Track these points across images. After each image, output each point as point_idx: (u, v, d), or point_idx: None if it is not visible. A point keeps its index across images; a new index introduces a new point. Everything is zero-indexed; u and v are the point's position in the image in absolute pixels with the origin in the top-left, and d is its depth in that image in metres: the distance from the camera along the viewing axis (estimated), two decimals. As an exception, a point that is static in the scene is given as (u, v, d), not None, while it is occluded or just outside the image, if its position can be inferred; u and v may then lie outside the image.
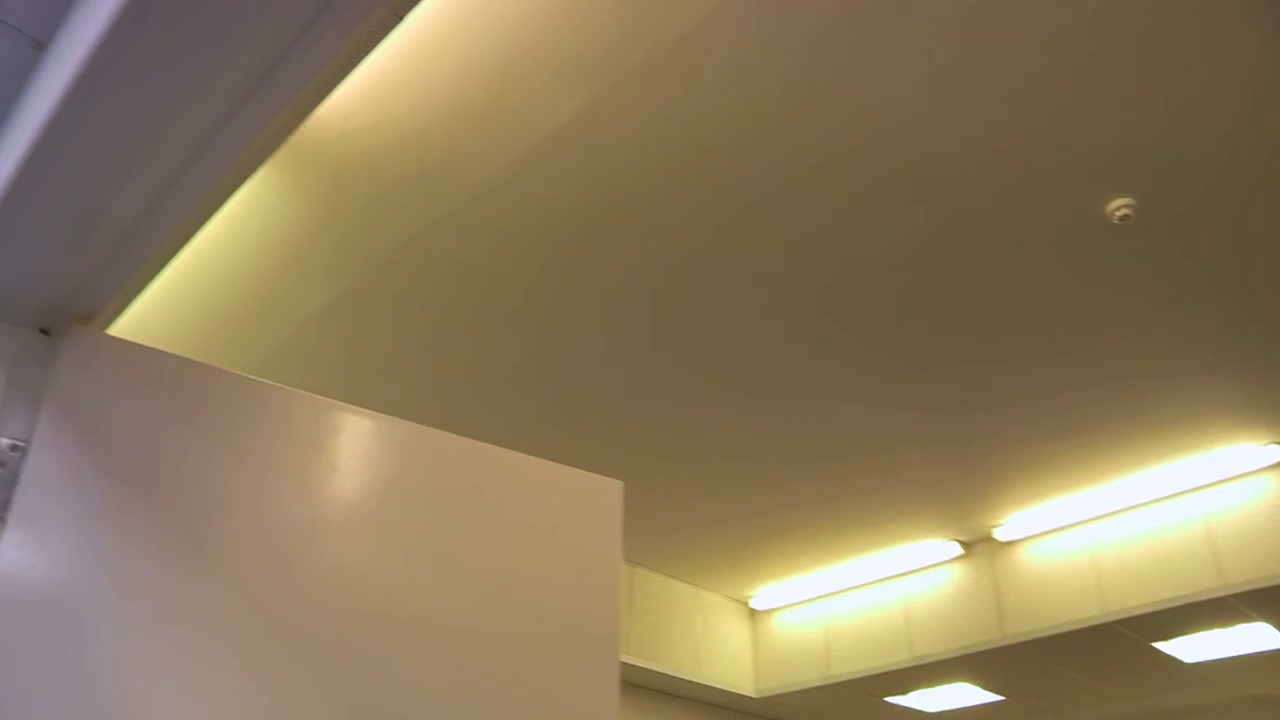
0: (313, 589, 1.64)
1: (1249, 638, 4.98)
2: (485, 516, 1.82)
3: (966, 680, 5.70)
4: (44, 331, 1.65)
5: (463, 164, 2.94)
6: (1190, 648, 5.18)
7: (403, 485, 1.78)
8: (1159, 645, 5.12)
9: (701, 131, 2.81)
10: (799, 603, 6.11)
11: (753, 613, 6.33)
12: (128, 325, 3.47)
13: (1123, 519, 4.90)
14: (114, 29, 1.10)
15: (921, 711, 6.31)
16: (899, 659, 5.50)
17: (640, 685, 5.71)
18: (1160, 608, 4.64)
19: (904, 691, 5.97)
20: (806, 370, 3.88)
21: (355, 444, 1.79)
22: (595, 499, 1.93)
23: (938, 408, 4.13)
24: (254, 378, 1.73)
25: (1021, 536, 5.25)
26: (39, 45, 2.34)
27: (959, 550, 5.43)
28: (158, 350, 1.67)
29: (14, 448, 1.60)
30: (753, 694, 6.07)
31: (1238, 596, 4.46)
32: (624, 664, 1.94)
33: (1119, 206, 2.92)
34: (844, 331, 3.64)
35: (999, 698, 5.99)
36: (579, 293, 3.46)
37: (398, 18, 1.25)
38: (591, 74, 2.65)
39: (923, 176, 2.94)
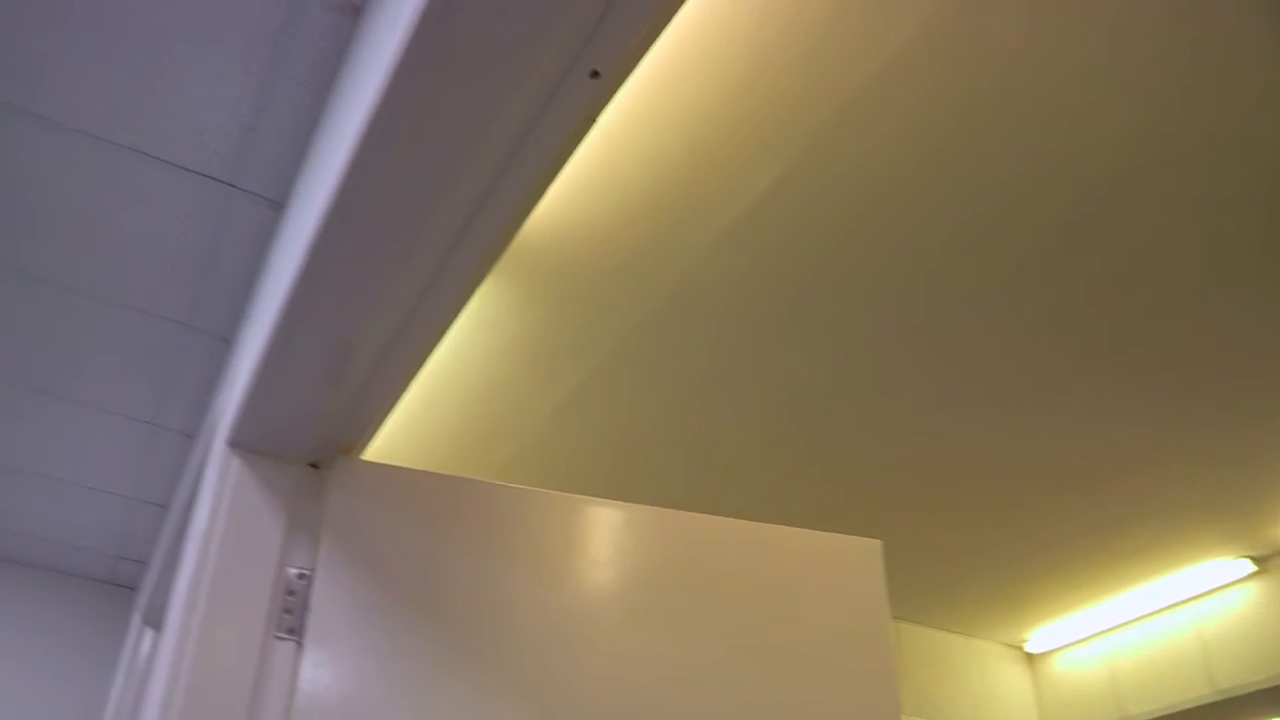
0: (589, 681, 1.68)
1: None
2: (746, 593, 1.83)
3: (1283, 712, 5.24)
4: (313, 465, 1.77)
5: (671, 246, 3.00)
6: None
7: (661, 571, 1.81)
8: None
9: (904, 162, 2.78)
10: (1078, 641, 5.79)
11: (1029, 657, 6.04)
12: (377, 448, 3.68)
13: None
14: (343, 188, 1.19)
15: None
16: (1198, 694, 5.11)
17: (923, 745, 5.53)
18: None
19: (1211, 730, 5.53)
20: (1061, 388, 3.72)
21: (610, 536, 1.83)
22: (855, 561, 1.90)
23: (1209, 419, 3.88)
24: (507, 484, 1.81)
25: (1322, 543, 4.83)
26: (276, 206, 2.55)
27: (1251, 568, 5.03)
28: (414, 470, 1.77)
29: (301, 576, 1.72)
30: (1044, 743, 5.78)
31: None
32: (906, 726, 1.89)
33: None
34: (1105, 338, 3.46)
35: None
36: (803, 351, 3.45)
37: (592, 121, 1.31)
38: (782, 138, 2.67)
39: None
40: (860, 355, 3.50)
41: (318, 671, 1.63)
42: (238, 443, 1.75)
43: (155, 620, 3.45)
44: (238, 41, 2.22)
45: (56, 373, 3.33)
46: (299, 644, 1.66)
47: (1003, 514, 4.57)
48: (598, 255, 3.05)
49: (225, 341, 3.03)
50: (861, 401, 3.74)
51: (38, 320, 3.12)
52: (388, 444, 3.76)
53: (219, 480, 1.75)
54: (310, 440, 1.71)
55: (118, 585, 4.80)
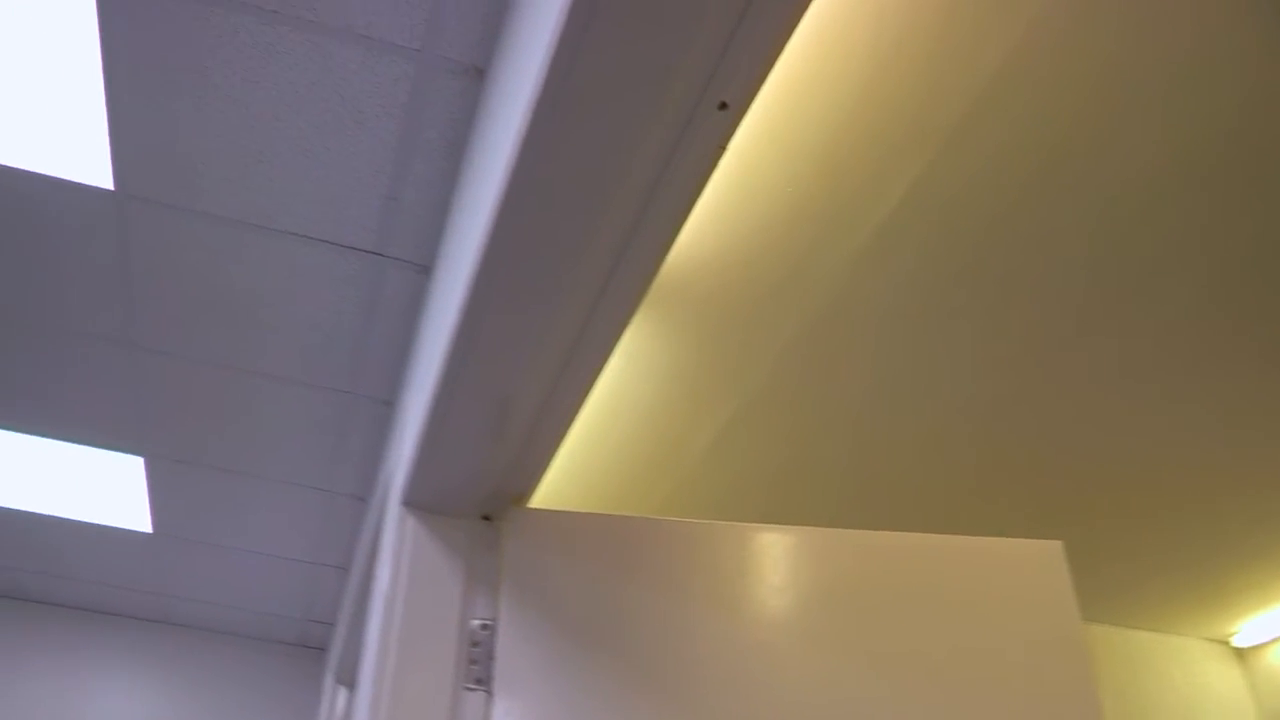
0: (778, 707, 1.67)
1: None
2: (926, 607, 1.79)
3: None
4: (486, 518, 1.81)
5: (814, 264, 2.98)
6: None
7: (838, 591, 1.79)
8: None
9: (1040, 149, 2.70)
10: (1294, 630, 5.46)
11: (1239, 651, 5.73)
12: (541, 493, 3.74)
13: None
14: (489, 245, 1.22)
15: None
16: None
17: (1130, 752, 5.29)
18: None
19: None
20: (1243, 372, 3.54)
21: (784, 561, 1.82)
22: (1037, 565, 1.84)
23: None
24: (678, 519, 1.81)
25: None
26: (423, 270, 2.63)
27: None
28: (584, 514, 1.79)
29: (484, 627, 1.75)
30: (1265, 743, 5.46)
31: None
32: (1112, 735, 1.82)
33: None
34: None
35: None
36: (961, 354, 3.38)
37: (723, 150, 1.31)
38: (913, 142, 2.63)
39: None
40: (1022, 353, 3.40)
41: (510, 719, 1.65)
42: (411, 502, 1.80)
43: (347, 678, 3.56)
44: (371, 117, 2.31)
45: (237, 451, 3.50)
46: (488, 693, 1.69)
47: (1193, 506, 4.35)
48: (741, 280, 3.05)
49: (388, 405, 3.13)
50: (1027, 401, 3.63)
51: (217, 403, 3.28)
52: (550, 488, 3.81)
53: (397, 539, 1.81)
54: (480, 494, 1.75)
55: (308, 647, 4.99)
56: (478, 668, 1.73)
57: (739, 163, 2.70)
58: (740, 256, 2.97)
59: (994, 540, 1.89)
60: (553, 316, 1.33)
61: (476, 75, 2.19)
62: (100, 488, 3.90)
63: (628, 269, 1.29)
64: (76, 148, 2.53)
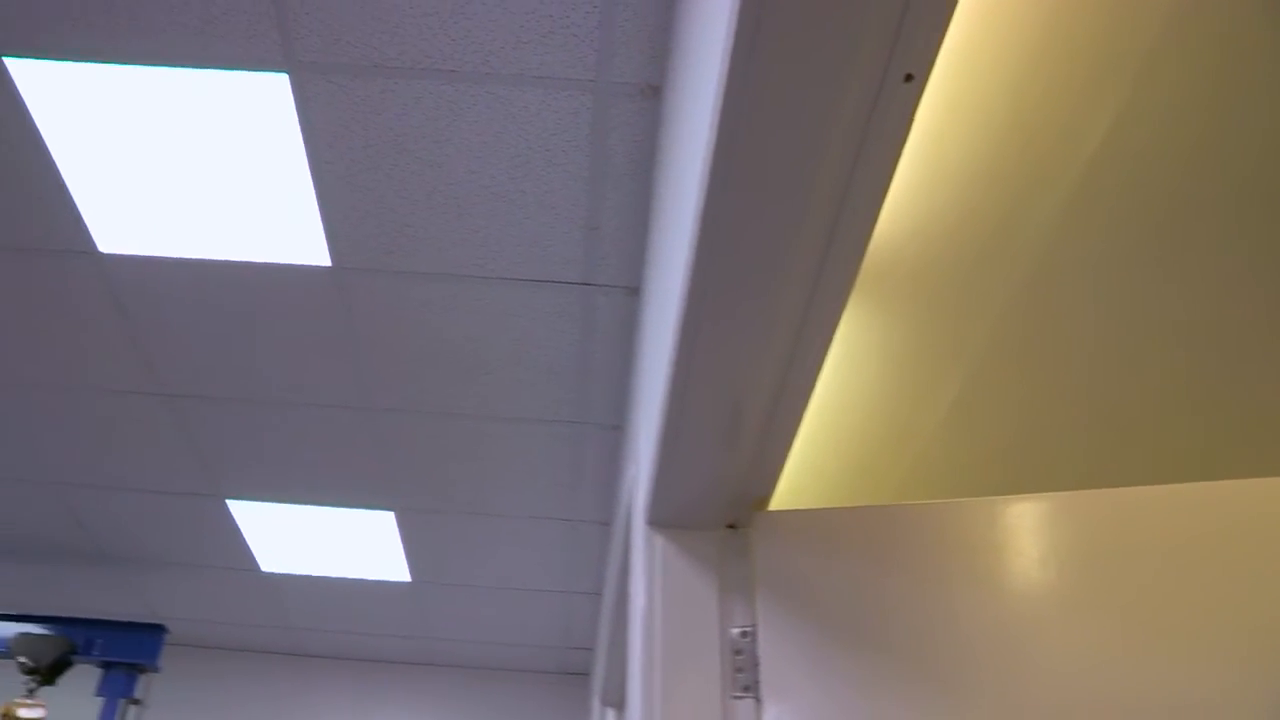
0: (1055, 682, 1.60)
1: None
2: (1197, 559, 1.69)
3: None
4: (731, 526, 1.82)
5: (1020, 220, 2.87)
6: None
7: (1102, 554, 1.71)
8: None
9: (1248, 60, 2.53)
10: None
11: None
12: (779, 495, 3.71)
13: None
14: (698, 254, 1.23)
15: None
16: None
17: None
18: None
19: None
20: None
21: (1040, 530, 1.75)
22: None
23: None
24: (924, 502, 1.77)
25: None
26: (632, 292, 2.67)
27: None
28: (830, 510, 1.78)
29: (744, 634, 1.76)
30: None
31: None
32: None
33: None
34: None
35: None
36: (1190, 288, 3.18)
37: (912, 122, 1.29)
38: (1108, 75, 2.50)
39: None
40: (1260, 279, 3.18)
41: (781, 724, 1.65)
42: (656, 520, 1.82)
43: (613, 700, 3.62)
44: (560, 153, 2.37)
45: (478, 494, 3.63)
46: (757, 700, 1.69)
47: None
48: (946, 252, 2.97)
49: (617, 429, 3.19)
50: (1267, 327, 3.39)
51: (453, 451, 3.42)
52: (786, 488, 3.80)
53: (647, 559, 1.83)
54: (722, 503, 1.76)
55: (570, 673, 5.11)
56: (743, 675, 1.73)
57: (923, 134, 2.63)
58: (941, 228, 2.89)
59: (1259, 481, 1.77)
60: (771, 313, 1.33)
61: (653, 93, 2.21)
62: (359, 545, 4.12)
63: (837, 254, 1.27)
64: (293, 233, 2.69)
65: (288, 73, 2.27)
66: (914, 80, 1.12)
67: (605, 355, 2.92)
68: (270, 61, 2.25)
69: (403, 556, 4.14)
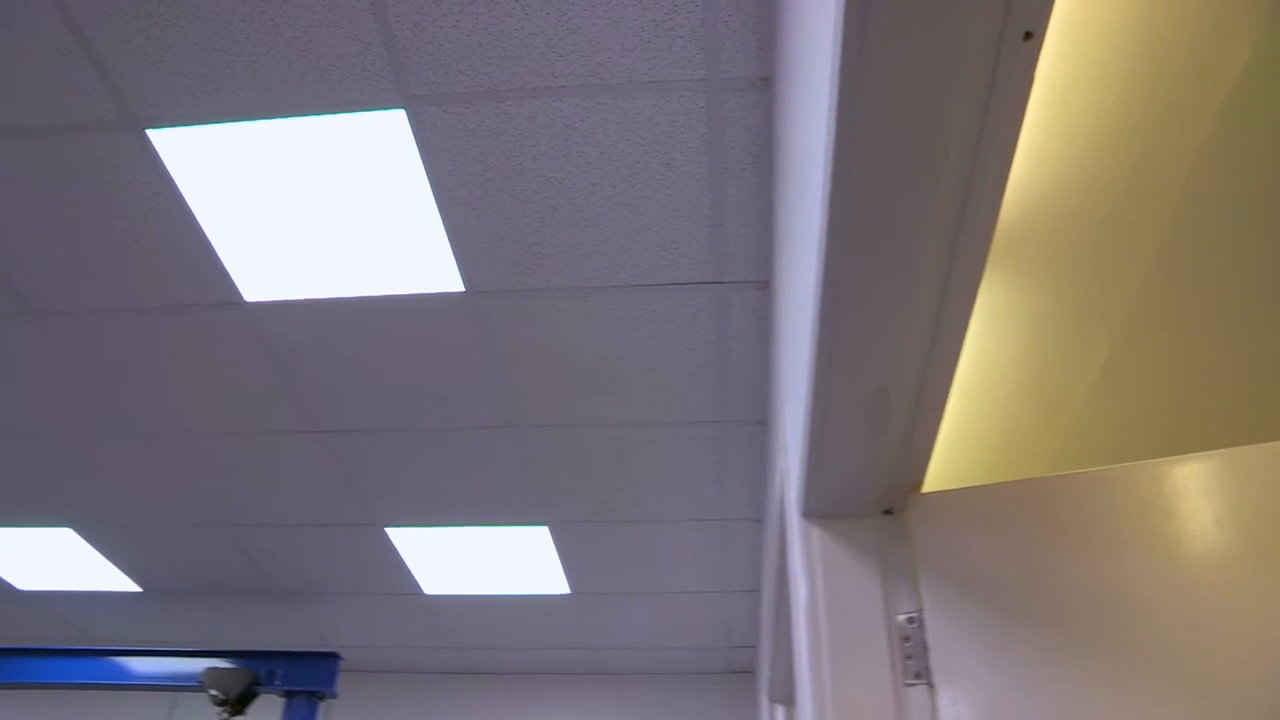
0: (1242, 648, 1.54)
1: None
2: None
3: None
4: (887, 512, 1.79)
5: (1155, 171, 2.76)
6: None
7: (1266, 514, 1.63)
8: None
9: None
10: None
11: None
12: (932, 475, 3.64)
13: None
14: (830, 238, 1.21)
15: None
16: None
17: None
18: None
19: None
20: None
21: (1215, 489, 1.68)
22: None
23: None
24: (1086, 470, 1.72)
25: None
26: (763, 285, 2.66)
27: None
28: (987, 486, 1.74)
29: (910, 620, 1.73)
30: None
31: None
32: None
33: None
34: None
35: None
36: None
37: (1033, 80, 1.25)
38: (1246, 4, 2.39)
39: None
40: None
41: (957, 709, 1.62)
42: (811, 512, 1.81)
43: (781, 696, 3.61)
44: (678, 155, 2.37)
45: (629, 501, 3.66)
46: (930, 685, 1.66)
47: None
48: (1080, 208, 2.88)
49: (761, 425, 3.18)
50: None
51: (600, 461, 3.45)
52: (939, 468, 3.73)
53: (805, 552, 1.82)
54: (876, 489, 1.74)
55: (736, 672, 5.11)
56: (913, 662, 1.70)
57: (1045, 91, 2.55)
58: (1073, 186, 2.80)
59: None
60: (908, 293, 1.31)
61: (763, 84, 2.20)
62: (517, 561, 4.20)
63: (970, 225, 1.24)
64: (424, 262, 2.75)
65: (404, 108, 2.33)
66: (1033, 38, 1.09)
67: (742, 352, 2.91)
68: (386, 99, 2.31)
69: (560, 569, 4.20)
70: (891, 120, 1.11)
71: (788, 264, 2.01)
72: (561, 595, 4.43)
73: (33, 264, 2.91)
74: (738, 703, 5.05)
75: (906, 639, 1.72)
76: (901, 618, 1.73)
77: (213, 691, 4.50)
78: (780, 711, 3.67)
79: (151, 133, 2.47)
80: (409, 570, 4.37)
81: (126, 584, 4.87)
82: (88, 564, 4.72)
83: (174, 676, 4.71)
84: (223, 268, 2.84)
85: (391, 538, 4.13)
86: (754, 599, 4.29)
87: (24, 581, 4.98)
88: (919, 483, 1.76)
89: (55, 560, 4.73)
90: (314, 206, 2.63)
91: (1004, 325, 3.23)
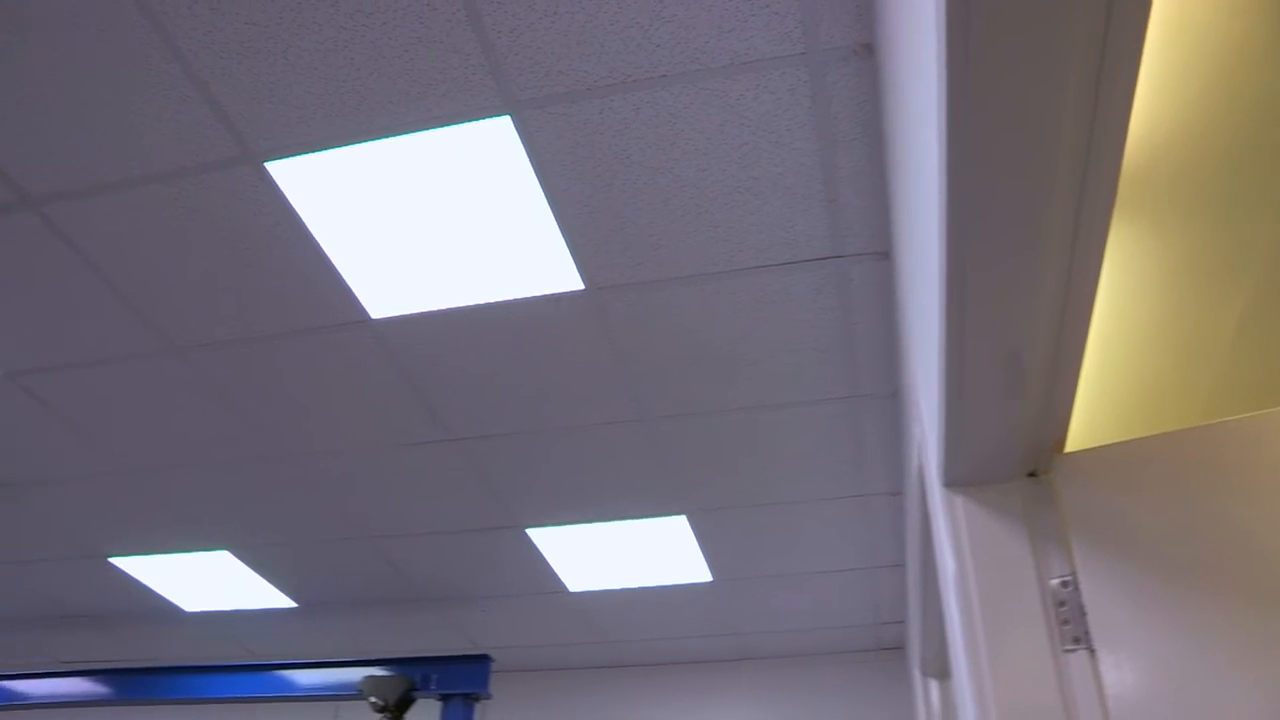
0: None
1: None
2: None
3: None
4: (1032, 475, 1.75)
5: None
6: None
7: None
8: None
9: None
10: None
11: None
12: (1075, 434, 3.54)
13: None
14: (951, 200, 1.18)
15: None
16: None
17: None
18: None
19: None
20: None
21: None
22: None
23: None
24: (1243, 417, 1.65)
25: None
26: (884, 255, 2.62)
27: None
28: (1134, 441, 1.68)
29: (1064, 584, 1.68)
30: None
31: None
32: None
33: None
34: None
35: None
36: None
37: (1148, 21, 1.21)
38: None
39: None
40: None
41: (1121, 673, 1.57)
42: (952, 481, 1.77)
43: (935, 670, 3.55)
44: (785, 132, 2.35)
45: (764, 484, 3.65)
46: (1090, 650, 1.62)
47: None
48: (1207, 145, 2.76)
49: (892, 398, 3.13)
50: None
51: (733, 447, 3.45)
52: (1080, 426, 3.62)
53: (949, 523, 1.79)
54: (1018, 453, 1.69)
55: (885, 649, 5.05)
56: (1071, 627, 1.66)
57: (1163, 19, 2.45)
58: (1199, 122, 2.69)
59: None
60: (1036, 252, 1.27)
61: (866, 51, 2.16)
62: (657, 553, 4.22)
63: (1095, 173, 1.20)
64: (542, 264, 2.79)
65: (509, 114, 2.35)
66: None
67: (868, 324, 2.87)
68: (491, 108, 2.34)
69: (701, 557, 4.21)
70: (1006, 69, 1.08)
71: (908, 231, 1.98)
72: (704, 583, 4.44)
73: (174, 302, 3.03)
74: (890, 680, 4.99)
75: (1061, 604, 1.67)
76: (1055, 582, 1.68)
77: (372, 699, 4.64)
78: (934, 686, 3.62)
79: (270, 165, 2.55)
80: (552, 569, 4.43)
81: (283, 600, 5.05)
82: (246, 584, 4.91)
83: (334, 686, 4.87)
84: (347, 288, 2.91)
85: (533, 538, 4.19)
86: (899, 574, 4.23)
87: (189, 604, 5.20)
88: (1061, 443, 1.71)
89: (216, 582, 4.94)
90: (430, 220, 2.68)
91: (1137, 276, 3.12)
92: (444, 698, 4.64)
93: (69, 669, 5.64)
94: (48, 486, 4.19)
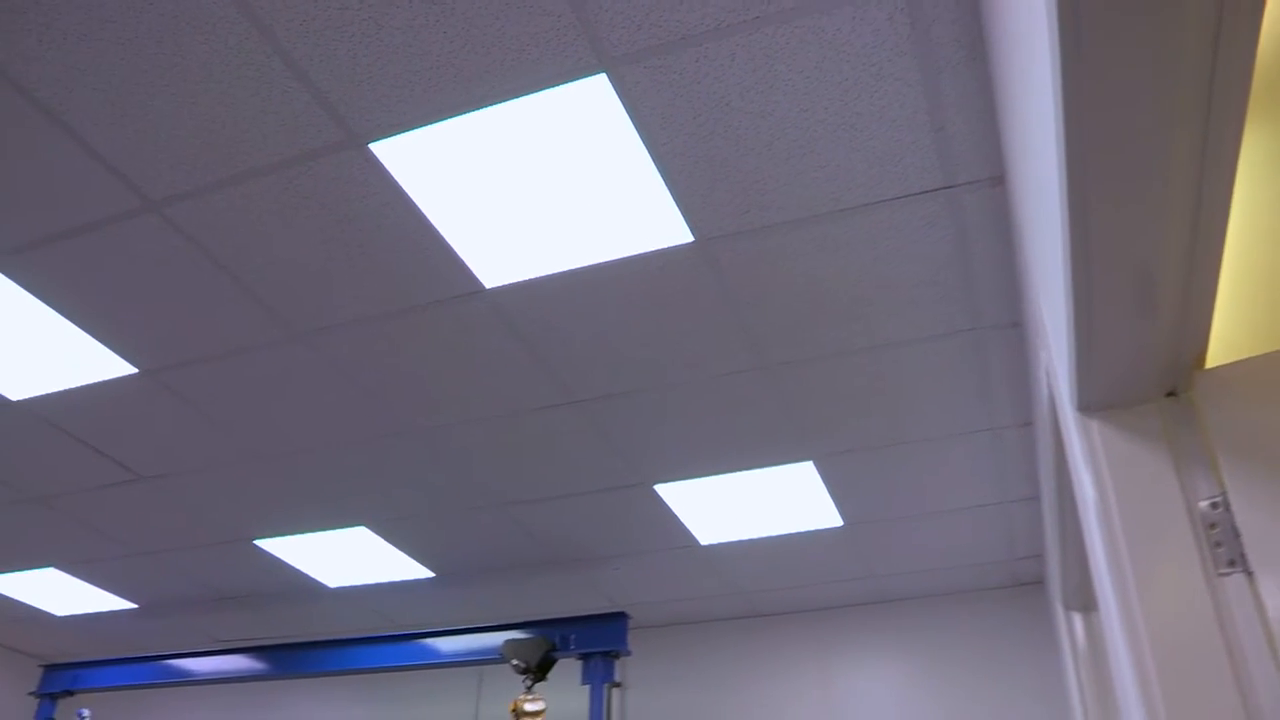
0: None
1: None
2: None
3: None
4: (1170, 394, 1.69)
5: None
6: None
7: None
8: None
9: None
10: None
11: None
12: (1214, 349, 3.40)
13: None
14: (1069, 116, 1.14)
15: None
16: None
17: None
18: None
19: None
20: None
21: None
22: None
23: None
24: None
25: None
26: (997, 180, 2.54)
27: None
28: (1271, 354, 1.61)
29: (1214, 505, 1.62)
30: None
31: None
32: None
33: None
34: None
35: None
36: None
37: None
38: None
39: None
40: None
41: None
42: (1086, 406, 1.72)
43: (1078, 603, 3.48)
44: (885, 64, 2.29)
45: (890, 424, 3.60)
46: (1247, 573, 1.56)
47: None
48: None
49: (1015, 326, 3.05)
50: None
51: (855, 388, 3.41)
52: (1219, 336, 3.47)
53: (1086, 448, 1.74)
54: (1154, 373, 1.63)
55: (1024, 584, 4.96)
56: (1224, 550, 1.60)
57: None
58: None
59: None
60: (1162, 161, 1.21)
61: (967, -28, 2.09)
62: (786, 500, 4.21)
63: (1226, 65, 1.13)
64: (650, 220, 2.77)
65: (605, 71, 2.34)
66: None
67: (985, 253, 2.80)
68: (586, 67, 2.33)
69: (830, 502, 4.18)
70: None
71: (1023, 151, 1.91)
72: (834, 529, 4.41)
73: (293, 289, 3.11)
74: (1029, 615, 4.90)
75: (1212, 526, 1.61)
76: (1204, 504, 1.62)
77: (514, 661, 4.74)
78: (1078, 619, 3.54)
79: (374, 146, 2.59)
80: (682, 524, 4.45)
81: (421, 571, 5.19)
82: (384, 557, 5.05)
83: (476, 651, 5.00)
84: (460, 260, 2.95)
85: (661, 494, 4.21)
86: (1033, 507, 4.15)
87: (332, 579, 5.38)
88: (1201, 358, 1.64)
89: (355, 557, 5.09)
90: (536, 185, 2.69)
91: (1276, 178, 2.96)
92: (584, 657, 4.72)
93: (227, 647, 5.90)
94: (192, 477, 4.37)
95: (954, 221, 2.70)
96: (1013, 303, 2.96)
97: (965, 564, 4.73)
